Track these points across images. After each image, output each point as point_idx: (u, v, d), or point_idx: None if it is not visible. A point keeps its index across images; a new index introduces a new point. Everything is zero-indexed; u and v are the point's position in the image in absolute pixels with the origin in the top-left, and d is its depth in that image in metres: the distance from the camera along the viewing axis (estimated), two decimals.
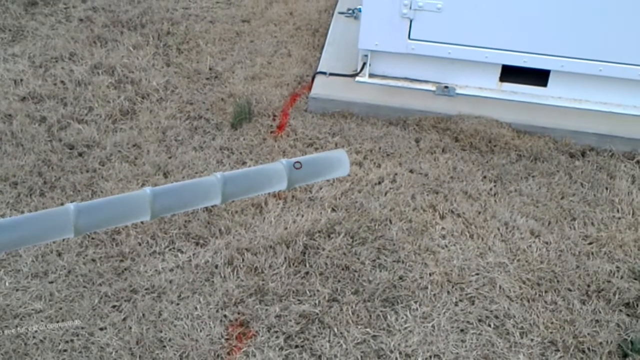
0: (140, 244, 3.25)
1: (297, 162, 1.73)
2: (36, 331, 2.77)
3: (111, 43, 5.02)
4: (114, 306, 2.94)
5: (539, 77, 4.44)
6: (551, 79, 4.43)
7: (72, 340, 2.77)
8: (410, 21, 4.28)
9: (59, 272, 3.08)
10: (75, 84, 4.48)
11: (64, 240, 3.20)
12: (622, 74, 4.22)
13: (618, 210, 3.64)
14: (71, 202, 1.53)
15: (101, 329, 2.83)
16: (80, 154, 3.85)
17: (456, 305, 3.05)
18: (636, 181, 3.85)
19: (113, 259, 3.17)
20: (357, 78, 4.58)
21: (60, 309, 2.90)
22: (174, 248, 3.26)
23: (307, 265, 3.19)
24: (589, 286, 3.18)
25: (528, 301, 3.09)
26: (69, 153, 3.84)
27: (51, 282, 3.03)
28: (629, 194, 3.74)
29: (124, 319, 2.88)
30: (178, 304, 2.96)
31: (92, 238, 3.26)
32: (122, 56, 4.84)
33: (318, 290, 3.06)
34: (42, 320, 2.82)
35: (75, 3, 5.61)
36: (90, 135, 3.99)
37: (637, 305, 3.09)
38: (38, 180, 3.61)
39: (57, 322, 2.83)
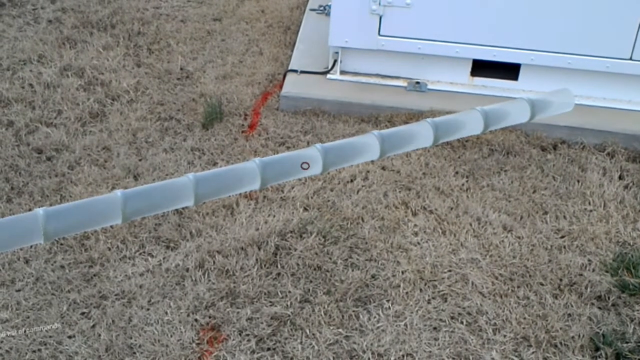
0: (109, 249, 3.22)
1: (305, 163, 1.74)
2: (1, 341, 2.73)
3: (81, 44, 4.96)
4: (82, 313, 2.90)
5: (510, 70, 4.43)
6: (522, 73, 4.43)
7: (39, 350, 2.72)
8: (380, 17, 4.26)
9: (27, 279, 3.03)
10: (44, 87, 4.42)
11: (31, 246, 3.16)
12: (591, 66, 4.23)
13: (589, 203, 3.64)
14: (39, 207, 1.49)
15: (70, 337, 2.79)
16: (48, 158, 3.80)
17: (429, 303, 3.05)
18: (607, 173, 3.86)
19: (82, 265, 3.13)
20: (329, 75, 4.56)
21: (28, 317, 2.85)
22: (144, 252, 3.23)
23: (279, 266, 3.17)
24: (561, 280, 3.18)
25: (500, 297, 3.09)
26: (37, 157, 3.79)
27: (18, 291, 2.98)
28: (600, 186, 3.75)
29: (93, 326, 2.84)
30: (148, 309, 2.93)
31: (61, 244, 3.22)
32: (91, 57, 4.78)
33: (290, 292, 3.04)
34: (8, 330, 2.78)
35: (44, 4, 5.54)
36: (59, 138, 3.94)
37: (609, 298, 3.09)
38: (5, 186, 3.57)
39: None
